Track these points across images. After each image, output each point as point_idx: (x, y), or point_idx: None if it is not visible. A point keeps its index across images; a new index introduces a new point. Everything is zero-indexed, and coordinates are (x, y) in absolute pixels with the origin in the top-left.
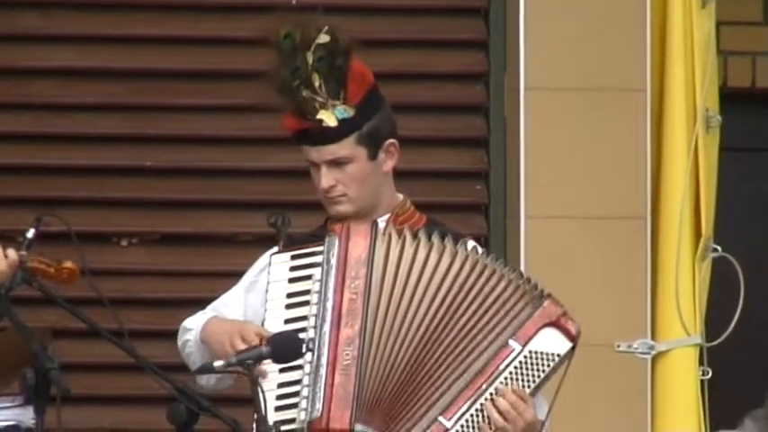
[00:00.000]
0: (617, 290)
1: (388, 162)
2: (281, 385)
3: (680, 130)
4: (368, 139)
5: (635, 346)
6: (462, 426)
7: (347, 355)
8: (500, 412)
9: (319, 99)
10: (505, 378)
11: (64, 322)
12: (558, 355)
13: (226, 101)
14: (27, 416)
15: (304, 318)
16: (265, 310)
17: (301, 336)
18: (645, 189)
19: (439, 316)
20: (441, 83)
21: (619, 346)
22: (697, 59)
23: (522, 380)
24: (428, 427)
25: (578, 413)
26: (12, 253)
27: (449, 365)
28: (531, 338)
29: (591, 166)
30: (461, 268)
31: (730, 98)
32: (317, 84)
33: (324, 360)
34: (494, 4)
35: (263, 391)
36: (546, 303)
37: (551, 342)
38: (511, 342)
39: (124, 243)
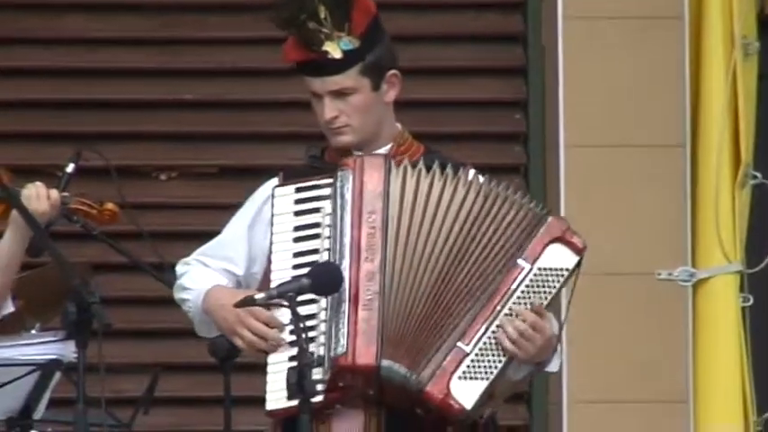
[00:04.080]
0: (657, 218)
1: (390, 93)
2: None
3: (717, 58)
4: (371, 69)
5: (675, 274)
6: (481, 349)
7: (369, 290)
8: (520, 332)
9: (324, 30)
10: (518, 297)
11: (105, 257)
12: (567, 270)
13: (262, 33)
14: (69, 350)
15: (314, 251)
16: (271, 243)
17: None
18: (684, 117)
19: (456, 247)
20: (480, 13)
21: (659, 275)
22: None
23: (534, 297)
24: (448, 354)
25: (620, 341)
26: (54, 193)
27: (466, 293)
28: (538, 256)
29: (629, 95)
30: (475, 199)
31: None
32: (322, 15)
33: (345, 296)
34: None
35: (304, 324)
36: (550, 220)
37: (559, 257)
38: (520, 262)
39: (163, 177)
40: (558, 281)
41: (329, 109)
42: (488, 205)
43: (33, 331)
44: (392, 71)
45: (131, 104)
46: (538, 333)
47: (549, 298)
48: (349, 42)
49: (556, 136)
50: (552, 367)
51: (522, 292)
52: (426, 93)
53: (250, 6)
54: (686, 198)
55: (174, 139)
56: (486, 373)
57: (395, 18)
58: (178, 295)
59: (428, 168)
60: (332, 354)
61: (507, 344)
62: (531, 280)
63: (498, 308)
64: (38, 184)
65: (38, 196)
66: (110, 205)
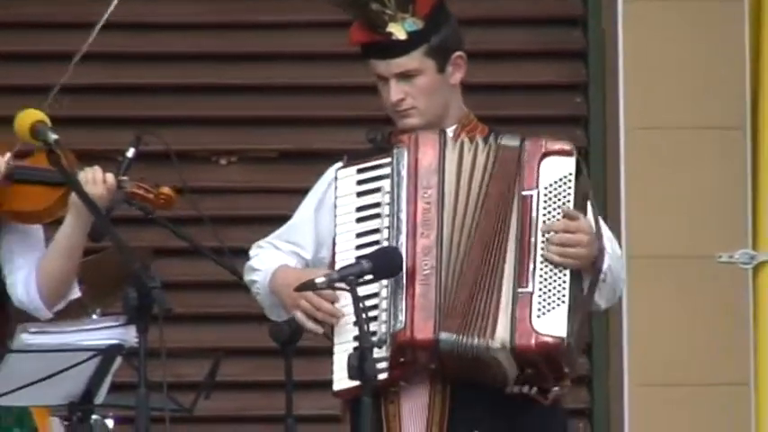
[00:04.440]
0: (717, 201)
1: (455, 74)
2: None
3: None
4: (436, 51)
5: (736, 256)
6: (540, 282)
7: (426, 264)
8: (560, 243)
9: (389, 12)
10: (543, 221)
11: (165, 241)
12: (571, 173)
13: (322, 17)
14: (130, 335)
15: (376, 231)
16: (335, 225)
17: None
18: (744, 99)
19: (494, 211)
20: None
21: (720, 257)
22: None
23: (557, 212)
24: (514, 302)
25: (680, 324)
26: (110, 177)
27: (503, 249)
28: (537, 177)
29: (689, 77)
30: (496, 159)
31: None
32: None
33: (403, 272)
34: None
35: (365, 307)
36: (526, 144)
37: (556, 168)
38: (525, 192)
39: (223, 162)
40: (569, 186)
41: (395, 91)
42: (499, 162)
43: (94, 316)
44: (457, 53)
45: (191, 89)
46: (578, 233)
47: (571, 205)
48: (413, 24)
49: (616, 119)
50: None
51: (543, 215)
52: (486, 76)
53: None
54: (746, 180)
55: (233, 124)
56: (559, 298)
57: (456, 2)
58: (248, 277)
59: (471, 141)
60: (392, 330)
61: (557, 259)
62: (545, 201)
63: (532, 239)
64: (95, 168)
65: (94, 180)
66: (166, 189)
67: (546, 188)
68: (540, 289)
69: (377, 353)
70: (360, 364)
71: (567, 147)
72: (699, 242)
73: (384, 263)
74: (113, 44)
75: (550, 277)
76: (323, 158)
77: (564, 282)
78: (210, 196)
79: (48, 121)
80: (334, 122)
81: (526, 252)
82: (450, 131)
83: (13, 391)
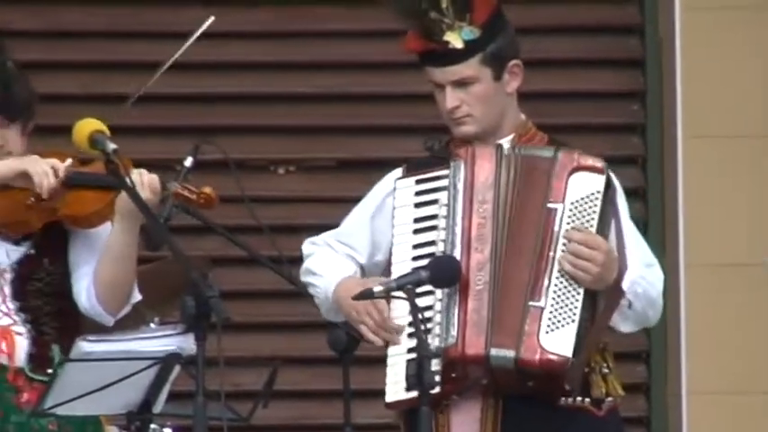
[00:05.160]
0: None
1: (512, 83)
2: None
3: None
4: (492, 59)
5: None
6: (553, 298)
7: (479, 280)
8: (576, 254)
9: (446, 21)
10: (565, 237)
11: (223, 250)
12: (599, 191)
13: (376, 26)
14: (188, 343)
15: (432, 243)
16: (393, 236)
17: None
18: None
19: (525, 224)
20: (597, 4)
21: None
22: None
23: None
24: (524, 317)
25: (739, 331)
26: (155, 179)
27: (528, 260)
28: (565, 192)
29: (746, 86)
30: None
31: None
32: (443, 5)
33: (456, 287)
34: None
35: (423, 316)
36: (559, 156)
37: (585, 184)
38: (551, 205)
39: (281, 171)
40: (596, 204)
41: (450, 99)
42: (520, 172)
43: (152, 325)
44: (514, 61)
45: (249, 98)
46: (595, 250)
47: (596, 223)
48: (470, 32)
49: (674, 127)
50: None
51: (566, 230)
52: (543, 84)
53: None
54: None
55: (291, 133)
56: (569, 317)
57: (513, 10)
58: (305, 278)
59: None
60: (443, 345)
61: (568, 267)
62: (570, 216)
63: (551, 254)
64: (141, 171)
65: (141, 184)
66: (207, 189)
67: (572, 203)
68: (552, 305)
69: (432, 364)
70: (418, 373)
71: (598, 164)
72: (757, 250)
73: (442, 272)
74: (167, 53)
75: (564, 294)
76: (380, 167)
77: (577, 300)
78: (268, 205)
79: (106, 130)
80: (391, 131)
81: (543, 266)
82: (507, 141)
83: (72, 399)
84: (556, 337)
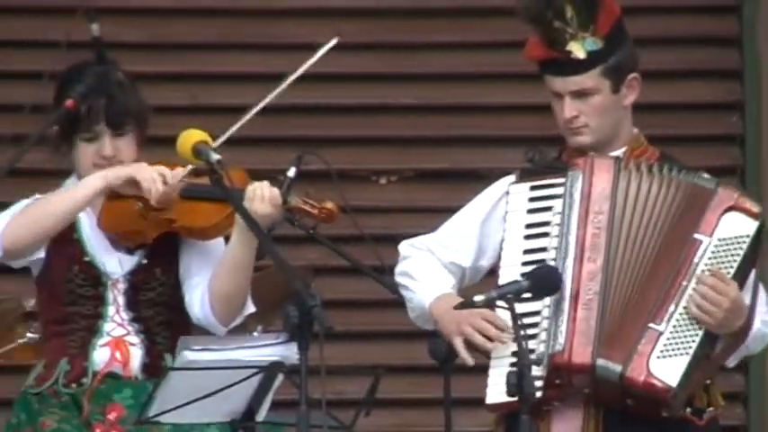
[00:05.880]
0: None
1: (629, 96)
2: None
3: None
4: (612, 71)
5: None
6: (674, 326)
7: (590, 290)
8: (703, 296)
9: (570, 30)
10: (702, 271)
11: (325, 260)
12: (748, 236)
13: (475, 38)
14: (291, 352)
15: (542, 249)
16: (503, 240)
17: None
18: None
19: (664, 244)
20: (695, 16)
21: None
22: None
23: (719, 268)
24: (641, 336)
25: None
26: (275, 193)
27: (660, 283)
28: (715, 227)
29: None
30: (677, 195)
31: None
32: (568, 15)
33: (566, 294)
34: None
35: (524, 325)
36: (719, 190)
37: (737, 225)
38: (697, 236)
39: (383, 181)
40: (741, 248)
41: (569, 108)
42: (680, 198)
43: (256, 334)
44: (632, 75)
45: (351, 109)
46: (722, 296)
47: (736, 266)
48: (593, 43)
49: None
50: (754, 348)
51: (706, 264)
52: (642, 96)
53: (466, 11)
54: None
55: (393, 143)
56: (684, 348)
57: None
58: (400, 279)
59: (649, 170)
60: (550, 351)
61: (695, 311)
62: (713, 252)
63: (684, 283)
64: (262, 183)
65: (262, 198)
66: (329, 204)
67: (719, 240)
68: (671, 332)
69: (534, 371)
70: (518, 381)
71: (755, 209)
72: None
73: (543, 282)
74: (275, 65)
75: (684, 326)
76: (481, 177)
77: (696, 335)
78: (370, 215)
79: (210, 141)
80: (488, 142)
81: (672, 292)
82: (619, 153)
83: (178, 407)
84: (666, 365)
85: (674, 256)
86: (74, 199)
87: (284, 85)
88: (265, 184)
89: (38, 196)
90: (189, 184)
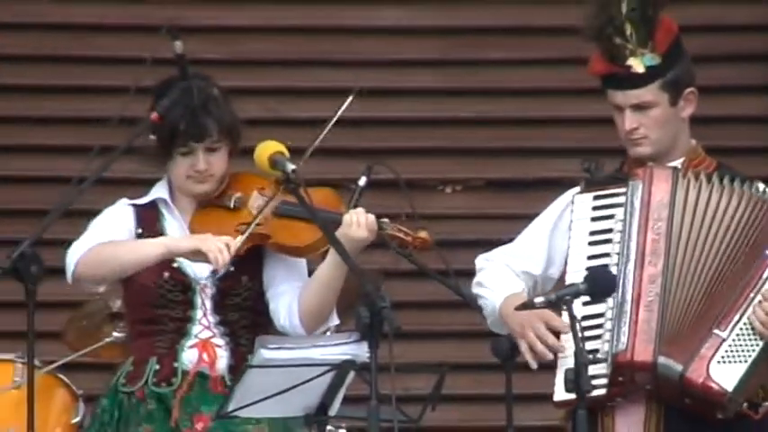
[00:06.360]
0: None
1: (686, 109)
2: (583, 318)
3: None
4: (671, 85)
5: None
6: (737, 334)
7: (651, 292)
8: (766, 313)
9: (629, 46)
10: (762, 294)
11: (395, 264)
12: None
13: (540, 55)
14: (362, 351)
15: (605, 255)
16: (568, 247)
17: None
18: None
19: (727, 253)
20: (745, 34)
21: None
22: None
23: None
24: (705, 341)
25: None
26: (371, 219)
27: (727, 290)
28: None
29: None
30: (746, 207)
31: None
32: (628, 32)
33: (628, 297)
34: None
35: (580, 326)
36: None
37: None
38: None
39: (448, 190)
40: None
41: (629, 121)
42: (756, 212)
43: (329, 333)
44: (690, 89)
45: (419, 121)
46: None
47: None
48: (652, 59)
49: None
50: None
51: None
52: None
53: (528, 29)
54: None
55: (458, 154)
56: (744, 356)
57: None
58: (476, 290)
59: (708, 179)
60: (613, 350)
61: (757, 325)
62: None
63: (751, 295)
64: (359, 210)
65: (358, 224)
66: (423, 234)
67: None
68: (734, 340)
69: (598, 369)
70: (576, 378)
71: None
72: None
73: (598, 285)
74: (345, 80)
75: (747, 336)
76: (539, 187)
77: (756, 345)
78: (436, 222)
79: (286, 152)
80: (552, 153)
81: (740, 302)
82: (677, 164)
83: (255, 402)
84: (724, 370)
85: (744, 268)
86: (136, 255)
87: (326, 130)
88: (361, 210)
89: (124, 201)
90: (283, 202)
